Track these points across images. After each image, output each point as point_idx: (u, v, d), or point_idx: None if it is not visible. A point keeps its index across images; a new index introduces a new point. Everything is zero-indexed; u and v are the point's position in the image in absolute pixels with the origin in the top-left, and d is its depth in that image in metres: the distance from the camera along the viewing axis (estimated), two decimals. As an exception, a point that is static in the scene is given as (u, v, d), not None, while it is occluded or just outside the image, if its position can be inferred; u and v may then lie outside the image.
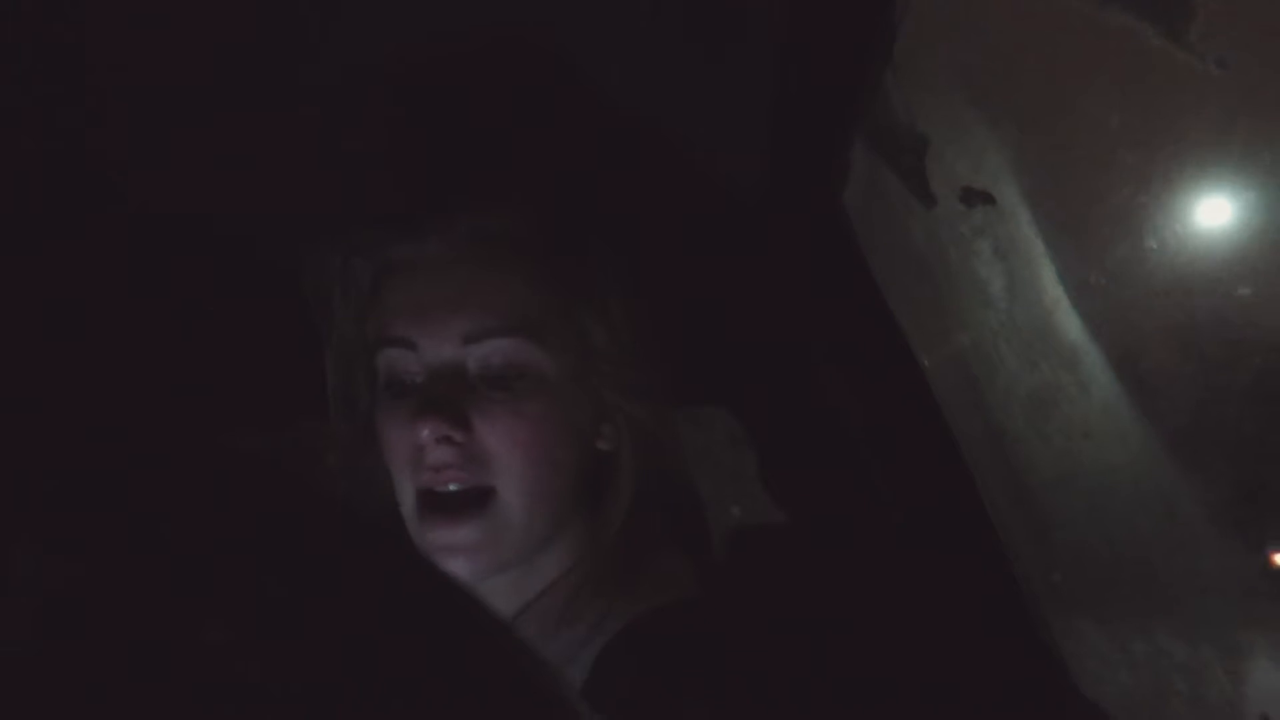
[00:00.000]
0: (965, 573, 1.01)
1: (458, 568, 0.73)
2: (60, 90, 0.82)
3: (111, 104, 0.84)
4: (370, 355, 0.79)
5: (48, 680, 0.21)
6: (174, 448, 0.28)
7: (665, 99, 0.92)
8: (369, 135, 0.92)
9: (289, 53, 0.80)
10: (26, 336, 1.01)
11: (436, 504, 0.74)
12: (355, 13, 0.77)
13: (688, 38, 0.84)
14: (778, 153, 1.03)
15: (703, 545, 1.09)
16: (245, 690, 0.23)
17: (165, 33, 0.77)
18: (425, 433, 0.73)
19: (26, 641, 0.21)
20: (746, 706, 0.67)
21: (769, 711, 0.68)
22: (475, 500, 0.74)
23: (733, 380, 1.43)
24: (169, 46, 0.78)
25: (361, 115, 0.89)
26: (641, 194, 1.07)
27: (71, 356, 1.04)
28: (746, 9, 0.81)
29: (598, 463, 0.82)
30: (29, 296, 1.01)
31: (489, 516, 0.74)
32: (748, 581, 0.99)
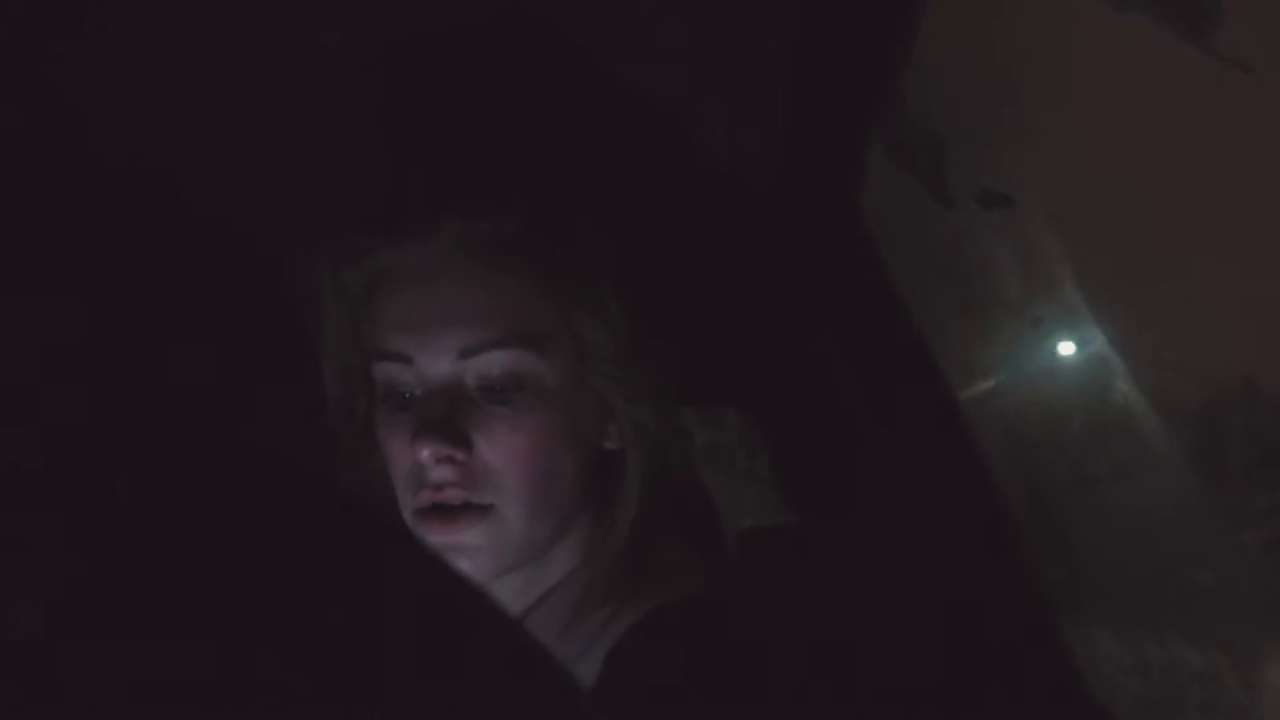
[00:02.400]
0: (979, 576, 1.00)
1: (460, 568, 0.73)
2: (55, 88, 0.82)
3: (105, 101, 0.84)
4: (366, 364, 0.78)
5: (54, 672, 0.21)
6: (181, 443, 0.28)
7: (678, 98, 0.91)
8: (354, 133, 0.91)
9: (270, 48, 0.80)
10: (31, 335, 1.01)
11: (437, 512, 0.74)
12: (341, 4, 0.76)
13: (700, 36, 0.83)
14: (796, 155, 1.02)
15: (714, 545, 1.08)
16: (248, 684, 0.23)
17: (151, 26, 0.76)
18: (426, 454, 0.72)
19: (36, 634, 0.21)
20: (756, 706, 0.67)
21: (778, 712, 0.68)
22: (476, 511, 0.74)
23: (747, 381, 1.42)
24: (156, 40, 0.78)
25: (346, 112, 0.88)
26: (657, 195, 1.06)
27: (77, 354, 1.05)
28: (762, 8, 0.80)
29: (605, 462, 0.81)
30: (32, 296, 1.01)
31: (487, 525, 0.74)
32: (758, 581, 0.98)
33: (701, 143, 0.99)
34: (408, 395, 0.75)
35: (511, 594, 0.79)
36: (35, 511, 0.24)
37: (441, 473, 0.73)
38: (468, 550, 0.73)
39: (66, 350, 1.04)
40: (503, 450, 0.73)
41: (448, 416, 0.72)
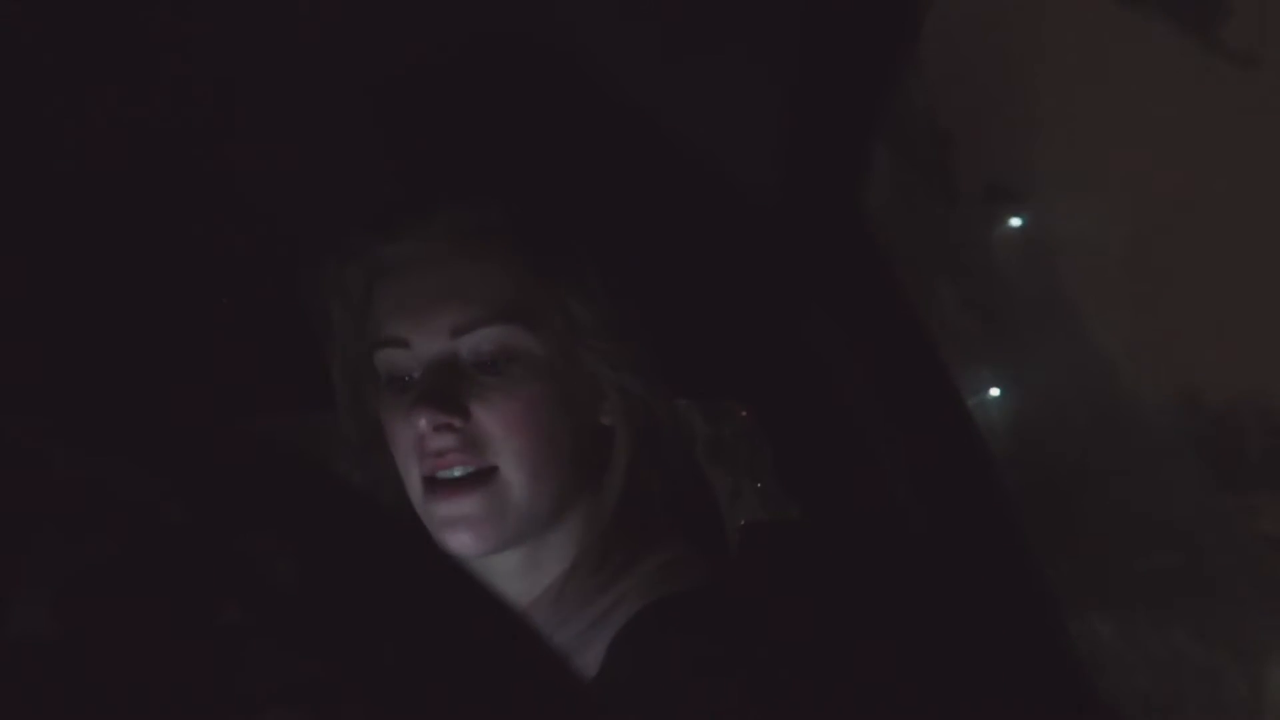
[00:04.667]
0: (983, 571, 1.01)
1: (463, 541, 0.77)
2: (65, 92, 0.83)
3: (113, 106, 0.85)
4: (369, 356, 0.81)
5: (60, 666, 0.21)
6: (186, 432, 0.29)
7: (683, 96, 0.92)
8: (353, 136, 0.93)
9: (274, 59, 0.81)
10: (35, 329, 1.02)
11: (441, 485, 0.77)
12: (346, 12, 0.78)
13: (705, 33, 0.83)
14: (801, 151, 1.03)
15: (716, 538, 1.09)
16: (256, 672, 0.23)
17: (157, 32, 0.77)
18: (423, 422, 0.76)
19: (40, 627, 0.21)
20: (755, 698, 0.68)
21: (777, 705, 0.68)
22: (477, 479, 0.76)
23: (750, 376, 1.42)
24: (161, 47, 0.79)
25: (345, 115, 0.90)
26: (662, 192, 1.07)
27: (84, 347, 1.05)
28: (767, 7, 0.81)
29: (603, 440, 0.84)
30: (37, 293, 1.02)
31: (491, 492, 0.76)
32: (759, 574, 0.99)
33: (705, 141, 0.99)
34: (407, 379, 0.79)
35: (512, 585, 0.80)
36: (41, 502, 0.24)
37: (441, 440, 0.76)
38: (470, 521, 0.76)
39: (72, 345, 1.04)
40: (499, 416, 0.76)
41: (444, 388, 0.76)
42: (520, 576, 0.81)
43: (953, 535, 1.03)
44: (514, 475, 0.77)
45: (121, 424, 0.29)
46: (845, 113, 0.96)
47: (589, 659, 0.75)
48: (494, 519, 0.77)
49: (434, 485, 0.78)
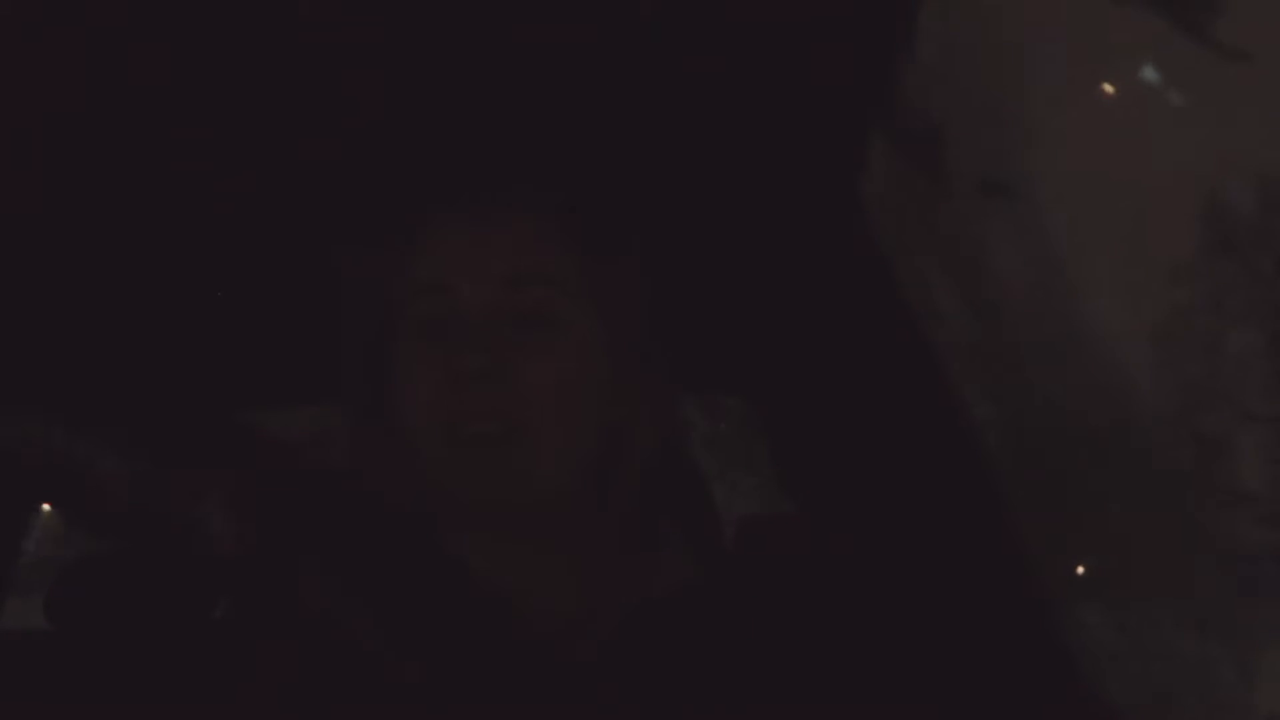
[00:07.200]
0: (976, 565, 1.01)
1: (487, 488, 0.75)
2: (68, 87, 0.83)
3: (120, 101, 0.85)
4: (394, 315, 0.80)
5: (60, 656, 0.21)
6: (189, 428, 0.29)
7: (686, 89, 0.92)
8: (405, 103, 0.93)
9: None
10: (34, 324, 1.02)
11: (467, 439, 0.75)
12: None
13: (706, 28, 0.84)
14: (797, 144, 1.03)
15: (711, 533, 1.09)
16: (248, 669, 0.23)
17: (168, 19, 0.77)
18: (463, 373, 0.74)
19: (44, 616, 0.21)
20: (749, 696, 0.68)
21: (770, 702, 0.69)
22: (506, 436, 0.76)
23: (746, 370, 1.42)
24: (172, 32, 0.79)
25: (393, 84, 0.90)
26: (661, 183, 1.07)
27: (79, 340, 1.05)
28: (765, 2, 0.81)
29: (613, 436, 0.83)
30: (38, 284, 1.02)
31: (518, 447, 0.75)
32: (754, 570, 0.99)
33: (709, 139, 0.99)
34: (443, 329, 0.77)
35: (510, 578, 0.80)
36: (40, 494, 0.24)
37: (476, 393, 0.74)
38: (500, 476, 0.74)
39: (66, 340, 1.04)
40: (537, 376, 0.75)
41: (486, 340, 0.75)
42: (518, 572, 0.80)
43: (948, 530, 1.03)
44: (542, 439, 0.76)
45: (120, 419, 0.29)
46: (843, 102, 0.96)
47: (585, 654, 0.75)
48: (517, 472, 0.76)
49: (460, 439, 0.76)
